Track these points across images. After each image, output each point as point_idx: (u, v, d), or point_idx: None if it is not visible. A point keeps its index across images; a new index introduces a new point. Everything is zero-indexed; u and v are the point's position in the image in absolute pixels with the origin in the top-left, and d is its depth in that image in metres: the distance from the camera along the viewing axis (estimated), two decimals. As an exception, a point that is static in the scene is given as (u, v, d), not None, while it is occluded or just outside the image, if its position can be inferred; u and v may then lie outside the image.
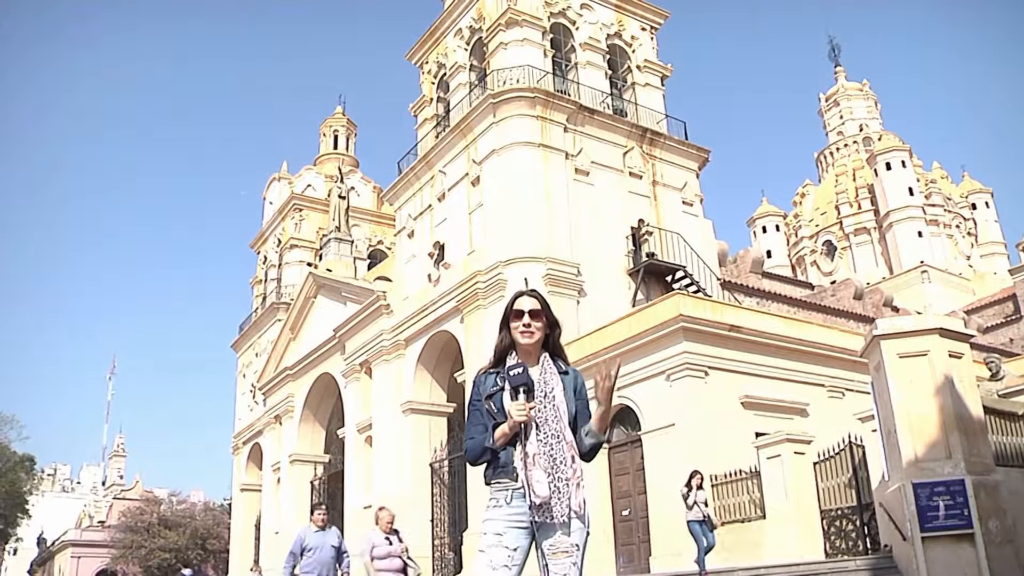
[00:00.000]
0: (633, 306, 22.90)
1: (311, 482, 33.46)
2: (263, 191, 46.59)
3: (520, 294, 3.70)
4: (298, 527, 11.24)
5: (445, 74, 29.46)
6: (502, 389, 3.53)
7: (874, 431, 13.49)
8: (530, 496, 3.35)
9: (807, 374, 19.51)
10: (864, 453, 14.91)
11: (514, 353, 3.63)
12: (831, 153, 58.64)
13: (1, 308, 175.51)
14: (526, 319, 3.60)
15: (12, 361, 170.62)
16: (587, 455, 3.56)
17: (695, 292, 23.23)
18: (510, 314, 3.65)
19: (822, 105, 60.86)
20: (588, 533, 3.47)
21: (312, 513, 10.09)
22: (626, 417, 19.20)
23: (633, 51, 29.14)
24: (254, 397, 39.87)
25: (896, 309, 35.41)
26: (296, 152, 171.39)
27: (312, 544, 9.58)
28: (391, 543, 9.46)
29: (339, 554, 9.81)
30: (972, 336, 13.72)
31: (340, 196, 36.36)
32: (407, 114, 31.27)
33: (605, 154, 25.75)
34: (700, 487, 14.16)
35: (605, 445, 18.90)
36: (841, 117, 59.00)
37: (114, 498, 70.53)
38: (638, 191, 26.12)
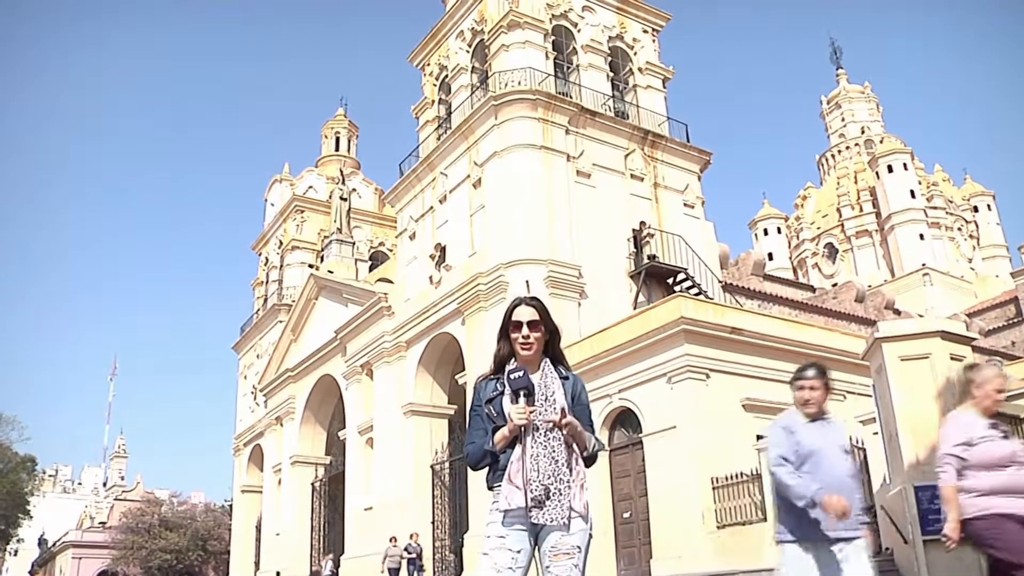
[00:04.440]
0: (634, 308, 22.89)
1: (312, 484, 33.46)
2: (264, 192, 46.63)
3: (518, 303, 3.69)
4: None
5: (447, 76, 29.48)
6: (501, 393, 3.54)
7: (875, 434, 13.47)
8: (525, 498, 3.36)
9: (808, 377, 19.45)
10: (865, 456, 14.89)
11: (514, 360, 3.63)
12: (832, 155, 58.65)
13: (2, 309, 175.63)
14: (524, 331, 3.59)
15: (13, 362, 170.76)
16: (587, 462, 3.57)
17: (696, 294, 23.21)
18: (509, 324, 3.65)
19: (823, 107, 60.86)
20: (591, 535, 3.48)
21: (801, 398, 5.00)
22: (627, 419, 19.19)
23: (635, 53, 29.16)
24: (255, 398, 39.87)
25: (898, 312, 35.40)
26: (297, 154, 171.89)
27: (808, 446, 4.87)
28: (1006, 437, 4.92)
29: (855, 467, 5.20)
30: (974, 339, 13.72)
31: (341, 198, 36.37)
32: (409, 116, 31.36)
33: (606, 156, 25.77)
34: None
35: (606, 448, 18.97)
36: (843, 119, 59.00)
37: (115, 499, 70.59)
38: (639, 193, 26.13)
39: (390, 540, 23.24)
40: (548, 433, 3.43)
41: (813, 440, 4.85)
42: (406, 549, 22.81)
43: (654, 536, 17.69)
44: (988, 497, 4.78)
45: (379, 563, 23.50)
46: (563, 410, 3.46)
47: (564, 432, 3.44)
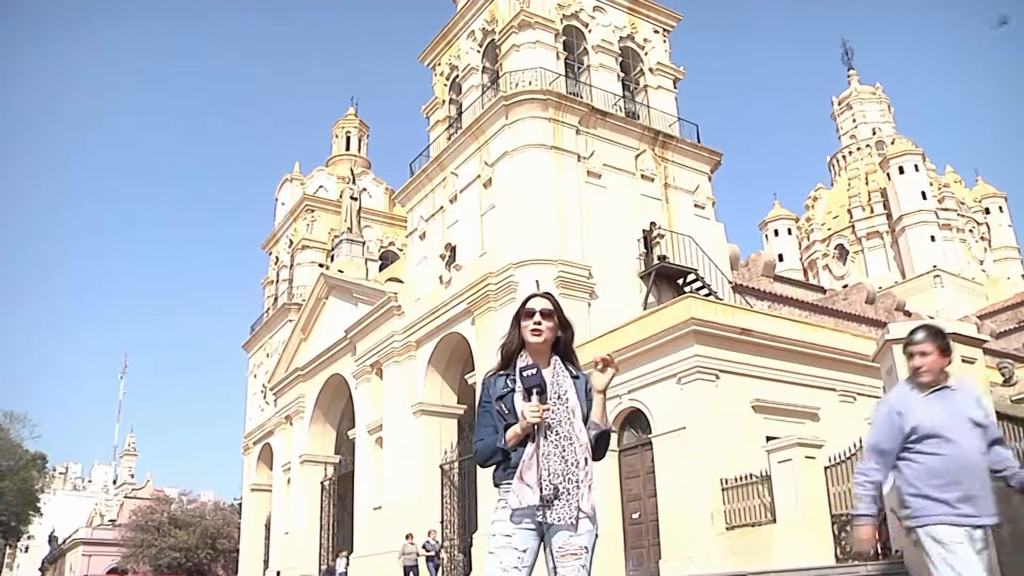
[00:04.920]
0: (644, 309, 22.86)
1: (321, 482, 33.53)
2: (275, 192, 46.75)
3: (533, 295, 3.71)
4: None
5: (457, 76, 29.48)
6: (513, 391, 3.53)
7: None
8: (538, 497, 3.35)
9: (818, 378, 19.44)
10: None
11: (524, 355, 3.63)
12: (844, 157, 58.45)
13: (13, 306, 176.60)
14: (536, 317, 3.60)
15: (24, 359, 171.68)
16: (596, 449, 3.54)
17: (706, 295, 23.18)
18: (521, 313, 3.66)
19: (835, 108, 60.66)
20: (597, 535, 3.47)
21: (914, 364, 4.41)
22: (636, 420, 19.17)
23: (646, 53, 29.10)
24: (265, 397, 39.96)
25: (908, 313, 35.26)
26: (308, 153, 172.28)
27: (927, 423, 4.16)
28: None
29: (989, 442, 4.28)
30: (985, 341, 13.63)
31: (352, 197, 36.41)
32: (419, 116, 31.34)
33: (617, 157, 25.73)
34: None
35: (615, 448, 18.96)
36: (854, 120, 58.79)
37: (125, 497, 70.86)
38: (650, 194, 26.08)
39: (406, 537, 23.08)
40: (560, 432, 3.43)
41: (933, 415, 4.10)
42: (424, 547, 22.69)
43: (663, 537, 17.67)
44: None
45: (388, 562, 23.49)
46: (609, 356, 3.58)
47: (611, 375, 3.54)
